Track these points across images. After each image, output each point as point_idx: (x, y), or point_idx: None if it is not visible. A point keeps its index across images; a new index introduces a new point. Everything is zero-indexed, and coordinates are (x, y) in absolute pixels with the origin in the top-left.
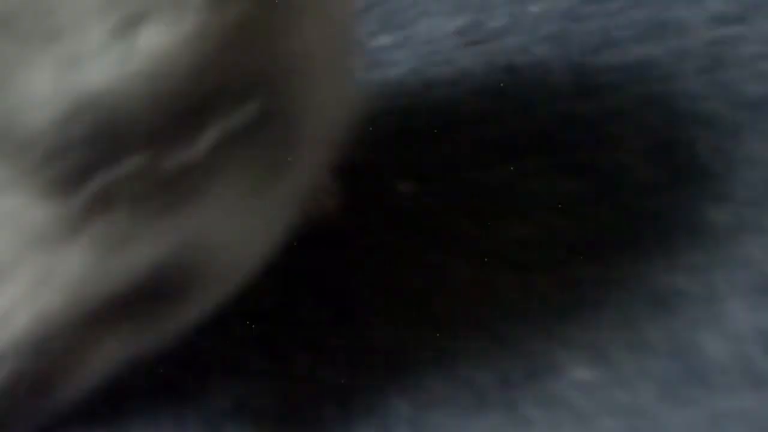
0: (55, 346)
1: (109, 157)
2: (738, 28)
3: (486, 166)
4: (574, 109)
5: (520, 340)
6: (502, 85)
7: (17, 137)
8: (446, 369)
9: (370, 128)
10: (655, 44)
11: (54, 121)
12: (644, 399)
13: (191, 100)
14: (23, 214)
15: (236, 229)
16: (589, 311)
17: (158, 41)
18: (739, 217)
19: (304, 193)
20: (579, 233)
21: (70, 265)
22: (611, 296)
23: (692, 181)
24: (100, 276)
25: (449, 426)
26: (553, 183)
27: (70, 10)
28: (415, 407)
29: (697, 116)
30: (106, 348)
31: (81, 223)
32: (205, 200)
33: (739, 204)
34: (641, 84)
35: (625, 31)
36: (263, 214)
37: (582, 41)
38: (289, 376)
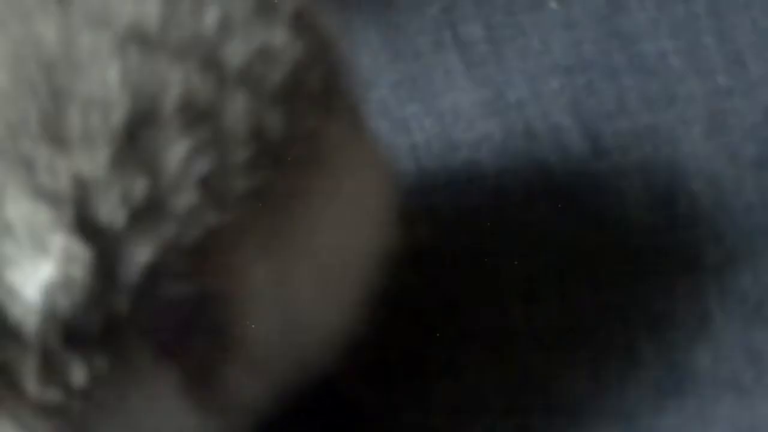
0: None
1: None
2: (741, 101)
3: (501, 213)
4: (585, 168)
5: (522, 356)
6: (520, 147)
7: None
8: (453, 379)
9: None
10: (664, 113)
11: None
12: (638, 406)
13: None
14: None
15: None
16: (588, 332)
17: None
18: (734, 255)
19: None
20: (582, 268)
21: None
22: (611, 320)
23: (692, 226)
24: None
25: (454, 427)
26: (561, 227)
27: None
28: (424, 412)
29: (699, 174)
30: None
31: None
32: None
33: (735, 243)
34: (649, 147)
35: (637, 101)
36: None
37: (596, 110)
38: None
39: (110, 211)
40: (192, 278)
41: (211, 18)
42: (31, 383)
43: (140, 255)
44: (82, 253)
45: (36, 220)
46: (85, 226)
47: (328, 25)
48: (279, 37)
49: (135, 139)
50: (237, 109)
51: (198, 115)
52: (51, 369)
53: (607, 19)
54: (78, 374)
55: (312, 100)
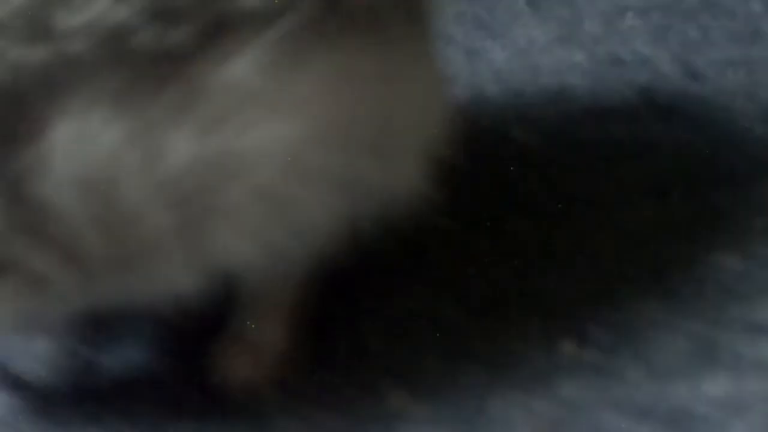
0: None
1: None
2: None
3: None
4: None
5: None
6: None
7: None
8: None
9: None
10: (750, 47)
11: None
12: None
13: None
14: None
15: None
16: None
17: None
18: None
19: None
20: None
21: None
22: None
23: None
24: None
25: None
26: (662, 140)
27: None
28: None
29: None
30: None
31: None
32: None
33: None
34: (744, 71)
35: (721, 37)
36: None
37: (681, 41)
38: None
39: None
40: None
41: None
42: None
43: None
44: None
45: None
46: None
47: None
48: None
49: None
50: None
51: None
52: None
53: None
54: None
55: None
